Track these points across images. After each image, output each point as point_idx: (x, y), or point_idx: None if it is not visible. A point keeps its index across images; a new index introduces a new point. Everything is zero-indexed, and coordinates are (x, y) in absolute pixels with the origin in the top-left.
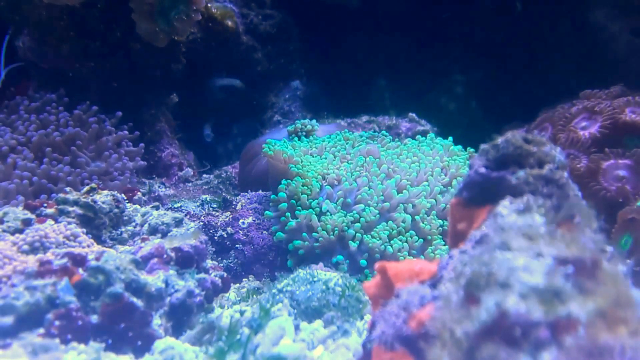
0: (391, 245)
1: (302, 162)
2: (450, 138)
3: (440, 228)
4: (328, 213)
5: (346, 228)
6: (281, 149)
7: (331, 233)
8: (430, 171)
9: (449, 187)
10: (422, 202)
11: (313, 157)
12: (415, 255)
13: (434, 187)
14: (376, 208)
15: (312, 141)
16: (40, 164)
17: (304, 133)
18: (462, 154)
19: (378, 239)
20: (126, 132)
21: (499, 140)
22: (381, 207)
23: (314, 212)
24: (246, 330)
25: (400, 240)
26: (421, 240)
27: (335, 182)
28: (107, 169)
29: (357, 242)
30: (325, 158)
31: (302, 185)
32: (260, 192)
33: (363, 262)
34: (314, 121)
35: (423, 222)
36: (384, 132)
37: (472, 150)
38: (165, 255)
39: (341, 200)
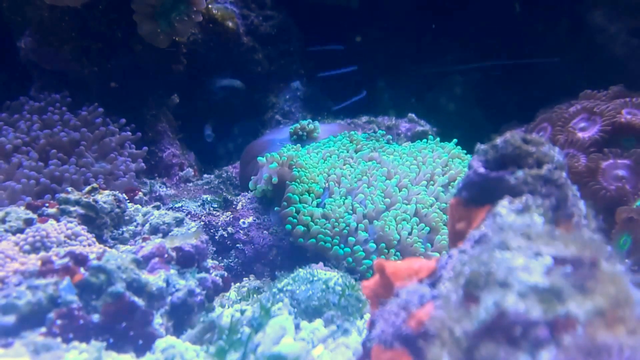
0: (399, 233)
1: (305, 164)
2: (454, 141)
3: (444, 220)
4: (329, 207)
5: (348, 216)
6: (288, 153)
7: (336, 223)
8: (430, 173)
9: (449, 187)
10: (423, 197)
11: (317, 155)
12: (422, 244)
13: (436, 187)
14: (378, 204)
15: (316, 147)
16: (45, 165)
17: (305, 133)
18: (463, 157)
19: (387, 227)
20: (129, 133)
21: (498, 140)
22: (383, 202)
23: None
24: (247, 329)
25: (407, 225)
26: (427, 228)
27: (337, 184)
28: (111, 170)
29: (365, 232)
30: (330, 158)
31: (305, 188)
32: None
33: (372, 245)
34: (316, 122)
35: (427, 209)
36: (380, 131)
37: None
38: (166, 255)
39: (343, 191)
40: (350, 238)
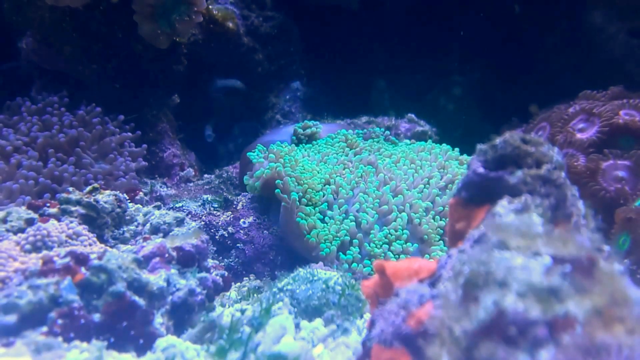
0: (392, 252)
1: (302, 168)
2: (448, 147)
3: (439, 229)
4: (330, 220)
5: (343, 232)
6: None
7: (333, 241)
8: (427, 177)
9: (446, 190)
10: (418, 203)
11: (317, 155)
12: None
13: (431, 190)
14: (373, 210)
15: (314, 148)
16: (45, 165)
17: (306, 138)
18: (461, 159)
19: (379, 247)
20: (129, 132)
21: (497, 140)
22: (378, 210)
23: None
24: (247, 329)
25: (399, 244)
26: (416, 245)
27: (335, 194)
28: (111, 170)
29: (357, 247)
30: (328, 159)
31: (306, 188)
32: None
33: (367, 261)
34: (319, 125)
35: (419, 219)
36: (379, 129)
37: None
38: (167, 255)
39: (342, 202)
40: (342, 256)
